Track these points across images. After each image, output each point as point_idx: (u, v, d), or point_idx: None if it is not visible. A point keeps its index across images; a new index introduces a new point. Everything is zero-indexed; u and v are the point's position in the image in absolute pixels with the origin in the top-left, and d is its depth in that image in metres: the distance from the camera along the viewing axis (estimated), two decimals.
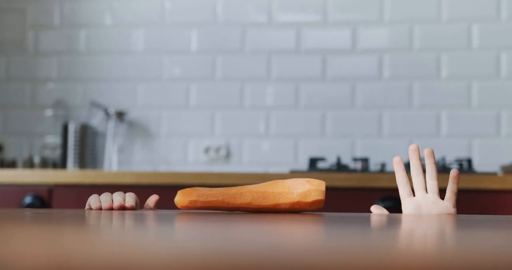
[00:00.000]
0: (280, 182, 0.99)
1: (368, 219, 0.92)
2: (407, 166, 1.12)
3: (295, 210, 0.98)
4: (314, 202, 0.97)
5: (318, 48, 2.61)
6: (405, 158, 2.58)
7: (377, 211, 1.10)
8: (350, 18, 2.61)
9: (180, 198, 0.99)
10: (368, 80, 2.57)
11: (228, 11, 2.66)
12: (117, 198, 1.04)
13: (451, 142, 2.51)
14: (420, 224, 0.80)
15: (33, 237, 0.55)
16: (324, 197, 0.97)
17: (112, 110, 2.62)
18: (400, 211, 1.11)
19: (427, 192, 1.08)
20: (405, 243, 0.55)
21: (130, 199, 1.04)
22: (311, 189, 0.97)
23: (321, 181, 0.98)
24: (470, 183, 1.95)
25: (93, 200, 1.05)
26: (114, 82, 2.70)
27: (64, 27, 2.75)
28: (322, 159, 2.37)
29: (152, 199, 1.11)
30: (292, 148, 2.58)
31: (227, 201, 0.98)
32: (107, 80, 2.70)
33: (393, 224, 0.82)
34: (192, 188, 1.01)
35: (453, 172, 1.10)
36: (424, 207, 1.07)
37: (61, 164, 2.56)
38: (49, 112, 2.70)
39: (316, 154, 2.52)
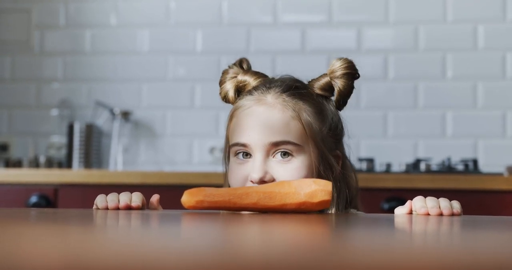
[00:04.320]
0: (286, 182, 0.99)
1: (374, 219, 0.92)
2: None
3: (301, 210, 0.98)
4: (321, 202, 0.97)
5: (323, 48, 2.61)
6: (408, 159, 2.55)
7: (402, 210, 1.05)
8: (355, 19, 2.61)
9: (187, 198, 0.99)
10: (373, 81, 2.57)
11: (233, 12, 2.66)
12: (124, 198, 1.04)
13: (457, 143, 2.50)
14: (425, 224, 0.80)
15: (39, 236, 0.55)
16: (330, 197, 0.97)
17: (117, 110, 2.63)
18: None
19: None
20: (409, 244, 0.55)
21: (136, 198, 1.05)
22: (317, 189, 0.97)
23: (328, 181, 0.98)
24: (476, 183, 1.94)
25: (99, 200, 1.05)
26: (119, 82, 2.70)
27: (69, 27, 2.75)
28: None
29: (155, 198, 1.11)
30: None
31: (233, 201, 0.98)
32: (112, 80, 2.71)
33: (398, 224, 0.82)
34: (199, 188, 1.01)
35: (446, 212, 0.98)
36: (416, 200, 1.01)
37: (67, 163, 2.57)
38: (54, 112, 2.70)
39: None
